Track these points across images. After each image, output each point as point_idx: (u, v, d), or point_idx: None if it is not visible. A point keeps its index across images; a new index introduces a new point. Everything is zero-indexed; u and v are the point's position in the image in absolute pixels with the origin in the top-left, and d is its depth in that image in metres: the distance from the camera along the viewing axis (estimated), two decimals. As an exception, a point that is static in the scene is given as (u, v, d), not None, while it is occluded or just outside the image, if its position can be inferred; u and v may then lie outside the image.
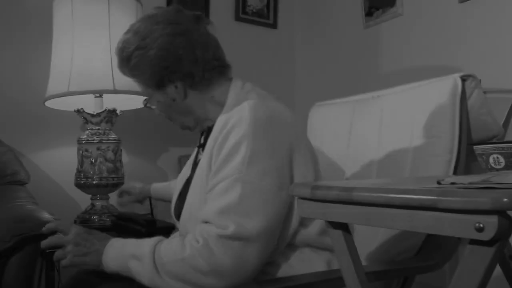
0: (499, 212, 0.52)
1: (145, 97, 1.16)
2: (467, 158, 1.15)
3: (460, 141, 1.13)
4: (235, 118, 0.94)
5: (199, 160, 1.10)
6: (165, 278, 0.90)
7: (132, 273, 0.92)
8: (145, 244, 0.93)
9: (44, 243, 0.99)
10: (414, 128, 1.21)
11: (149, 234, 1.54)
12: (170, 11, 1.08)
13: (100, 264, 0.95)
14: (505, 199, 0.51)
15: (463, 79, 1.15)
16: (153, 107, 1.14)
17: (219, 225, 0.89)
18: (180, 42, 1.03)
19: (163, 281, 0.90)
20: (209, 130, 1.10)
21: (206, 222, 0.92)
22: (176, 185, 1.22)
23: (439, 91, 1.17)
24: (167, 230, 1.63)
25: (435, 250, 1.12)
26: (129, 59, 1.06)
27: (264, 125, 0.93)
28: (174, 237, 0.96)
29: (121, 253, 0.94)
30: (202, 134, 1.19)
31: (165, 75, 1.05)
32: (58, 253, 0.97)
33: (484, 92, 1.19)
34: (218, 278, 0.88)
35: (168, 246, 0.92)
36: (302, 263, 1.02)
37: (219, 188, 0.92)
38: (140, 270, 0.91)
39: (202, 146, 1.14)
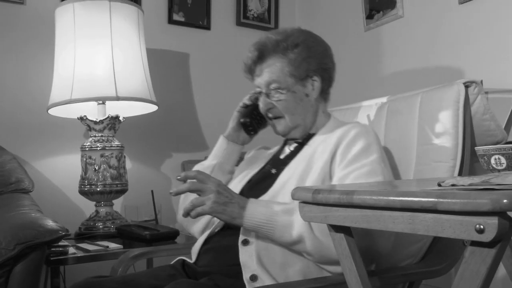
0: (499, 213, 0.52)
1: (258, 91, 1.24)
2: (470, 159, 1.14)
3: (463, 147, 1.13)
4: (357, 129, 1.12)
5: (285, 155, 1.24)
6: (317, 233, 0.94)
7: (277, 228, 0.98)
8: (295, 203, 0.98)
9: (182, 188, 1.03)
10: (418, 134, 1.21)
11: (154, 240, 1.57)
12: None
13: (239, 217, 1.00)
14: (505, 200, 0.51)
15: (466, 86, 1.15)
16: (273, 99, 1.19)
17: None
18: (332, 56, 1.25)
19: (313, 237, 0.95)
20: (309, 136, 1.22)
21: None
22: (241, 178, 1.25)
23: (442, 98, 1.17)
24: (171, 235, 1.63)
25: (440, 256, 1.12)
26: (296, 45, 1.19)
27: (378, 139, 1.14)
28: None
29: (268, 209, 1.01)
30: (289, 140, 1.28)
31: (316, 70, 1.20)
32: (196, 200, 1.01)
33: (486, 93, 1.19)
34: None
35: None
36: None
37: (361, 172, 1.04)
38: (292, 224, 0.97)
39: (300, 143, 1.23)
